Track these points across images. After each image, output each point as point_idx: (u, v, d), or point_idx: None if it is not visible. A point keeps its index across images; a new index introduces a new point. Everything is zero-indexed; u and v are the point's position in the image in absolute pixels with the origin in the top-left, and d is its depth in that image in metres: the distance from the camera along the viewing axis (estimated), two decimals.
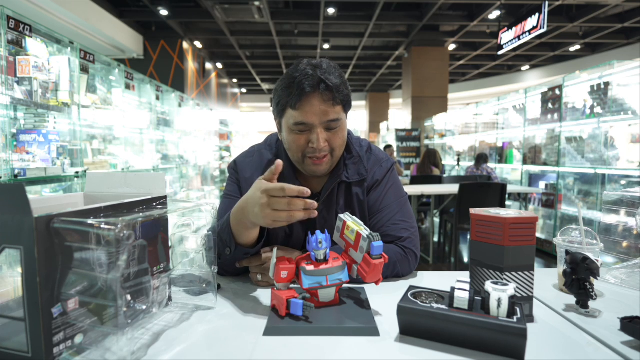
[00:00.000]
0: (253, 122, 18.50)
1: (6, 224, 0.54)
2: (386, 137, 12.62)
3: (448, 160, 8.76)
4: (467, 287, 0.67)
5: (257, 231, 0.90)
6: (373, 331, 0.69)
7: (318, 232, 0.78)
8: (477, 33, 9.86)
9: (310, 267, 0.76)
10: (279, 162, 0.80)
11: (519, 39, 6.52)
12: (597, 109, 4.17)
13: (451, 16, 8.99)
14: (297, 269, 0.78)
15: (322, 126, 0.97)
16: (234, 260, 0.94)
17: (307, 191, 0.76)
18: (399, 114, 12.90)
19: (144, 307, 0.67)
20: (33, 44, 2.38)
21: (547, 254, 4.81)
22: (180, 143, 5.30)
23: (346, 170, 1.08)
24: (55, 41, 2.62)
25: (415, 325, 0.67)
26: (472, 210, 0.79)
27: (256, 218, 0.80)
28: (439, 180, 5.31)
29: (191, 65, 9.94)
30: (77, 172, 2.68)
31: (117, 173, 0.82)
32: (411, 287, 0.75)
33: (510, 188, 4.21)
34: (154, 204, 0.74)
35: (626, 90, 3.98)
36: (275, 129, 1.14)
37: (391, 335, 0.68)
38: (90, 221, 0.56)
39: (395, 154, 9.08)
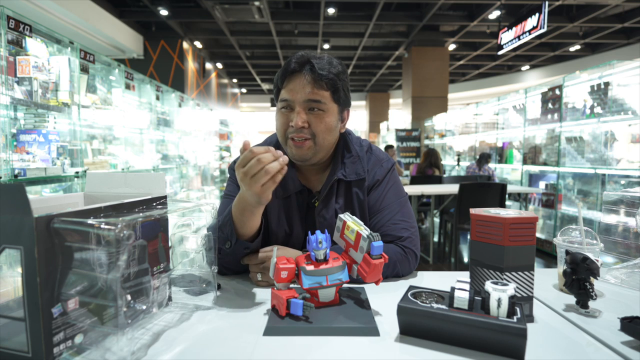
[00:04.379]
0: (253, 122, 18.51)
1: (6, 224, 0.54)
2: (386, 137, 12.61)
3: (448, 160, 8.76)
4: (467, 287, 0.67)
5: (259, 219, 0.92)
6: (373, 331, 0.69)
7: (318, 232, 0.78)
8: (477, 33, 9.86)
9: (310, 267, 0.76)
10: (247, 140, 0.85)
11: (519, 39, 6.52)
12: (597, 109, 4.17)
13: (451, 16, 8.99)
14: (297, 269, 0.78)
15: (302, 105, 0.98)
16: (234, 256, 0.95)
17: (274, 151, 0.81)
18: (399, 114, 12.91)
19: (144, 307, 0.67)
20: (33, 44, 2.38)
21: (547, 254, 4.81)
22: (180, 143, 5.30)
23: (344, 169, 1.07)
24: (55, 41, 2.62)
25: (415, 325, 0.67)
26: (472, 210, 0.79)
27: (249, 195, 0.83)
28: (439, 180, 5.31)
29: (191, 65, 9.94)
30: (77, 172, 2.68)
31: (117, 173, 0.82)
32: (411, 287, 0.75)
33: (510, 188, 4.21)
34: (154, 204, 0.74)
35: (626, 90, 3.98)
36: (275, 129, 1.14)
37: (391, 335, 0.68)
38: (90, 221, 0.56)
39: (396, 154, 9.08)
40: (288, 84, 0.99)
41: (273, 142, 1.15)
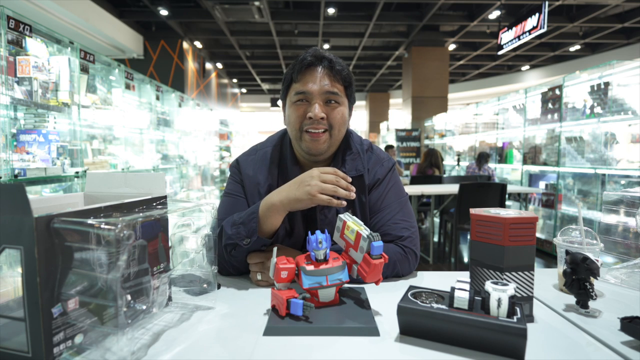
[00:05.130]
0: (253, 122, 18.46)
1: (6, 224, 0.54)
2: (386, 137, 12.62)
3: (448, 160, 8.76)
4: (467, 287, 0.67)
5: (282, 219, 0.95)
6: (373, 331, 0.69)
7: (318, 232, 0.78)
8: (477, 33, 9.86)
9: (310, 267, 0.76)
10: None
11: (519, 39, 6.52)
12: (597, 109, 4.17)
13: (451, 16, 8.99)
14: (297, 269, 0.78)
15: (321, 98, 1.02)
16: (246, 253, 0.96)
17: (349, 178, 0.94)
18: (399, 114, 12.91)
19: (144, 307, 0.67)
20: (33, 44, 2.38)
21: (547, 254, 4.81)
22: (180, 143, 5.30)
23: (344, 165, 1.08)
24: (55, 41, 2.62)
25: (415, 325, 0.67)
26: (472, 210, 0.79)
27: (302, 192, 0.90)
28: (439, 180, 5.31)
29: (191, 65, 9.94)
30: (77, 172, 2.68)
31: (117, 173, 0.82)
32: (411, 287, 0.75)
33: (510, 188, 4.21)
34: (154, 204, 0.74)
35: (626, 90, 3.98)
36: (275, 129, 1.14)
37: (391, 335, 0.68)
38: (90, 221, 0.56)
39: (396, 154, 9.07)
40: (304, 77, 1.02)
41: (274, 141, 1.15)
